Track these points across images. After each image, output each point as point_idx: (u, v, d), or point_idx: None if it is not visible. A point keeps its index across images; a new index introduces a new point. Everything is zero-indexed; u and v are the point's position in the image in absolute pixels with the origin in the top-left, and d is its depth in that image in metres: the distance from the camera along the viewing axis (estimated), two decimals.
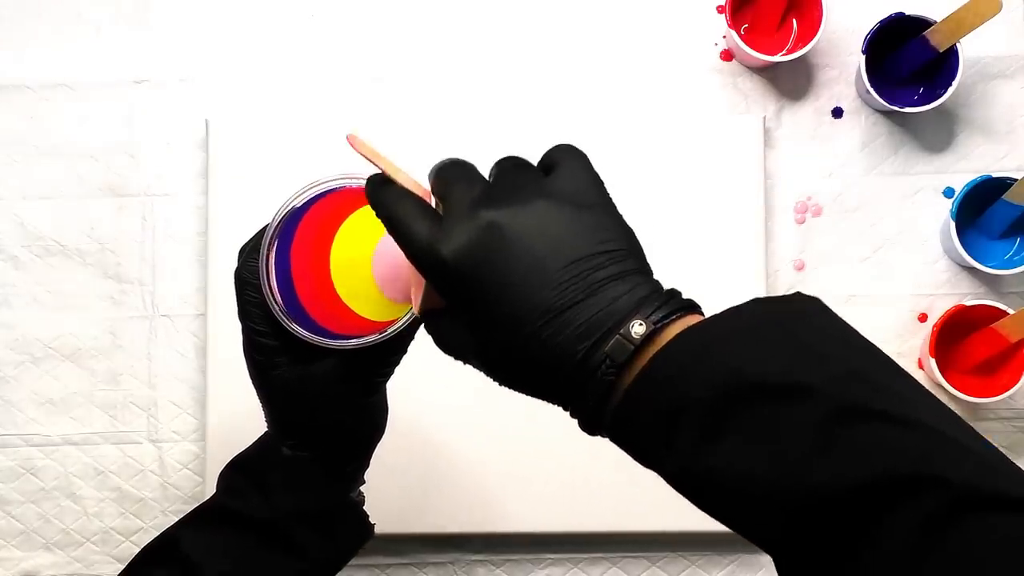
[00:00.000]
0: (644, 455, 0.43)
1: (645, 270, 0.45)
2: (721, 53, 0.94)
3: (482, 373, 0.47)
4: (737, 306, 0.42)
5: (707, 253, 0.90)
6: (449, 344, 0.48)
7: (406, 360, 0.89)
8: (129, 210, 0.94)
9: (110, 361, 0.93)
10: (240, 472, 0.62)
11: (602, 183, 0.47)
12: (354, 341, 0.56)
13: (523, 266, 0.42)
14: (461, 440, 0.89)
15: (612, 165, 0.90)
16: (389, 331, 0.56)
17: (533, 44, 0.94)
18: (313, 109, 0.94)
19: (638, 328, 0.41)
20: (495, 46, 0.94)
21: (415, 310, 0.50)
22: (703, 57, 0.94)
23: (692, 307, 0.43)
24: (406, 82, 0.94)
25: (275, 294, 0.56)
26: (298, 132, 0.92)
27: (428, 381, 0.90)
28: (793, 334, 0.42)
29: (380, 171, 0.49)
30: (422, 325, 0.56)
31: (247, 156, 0.91)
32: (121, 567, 0.62)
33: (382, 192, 0.47)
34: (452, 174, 0.47)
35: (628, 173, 0.91)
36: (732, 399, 0.39)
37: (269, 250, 0.56)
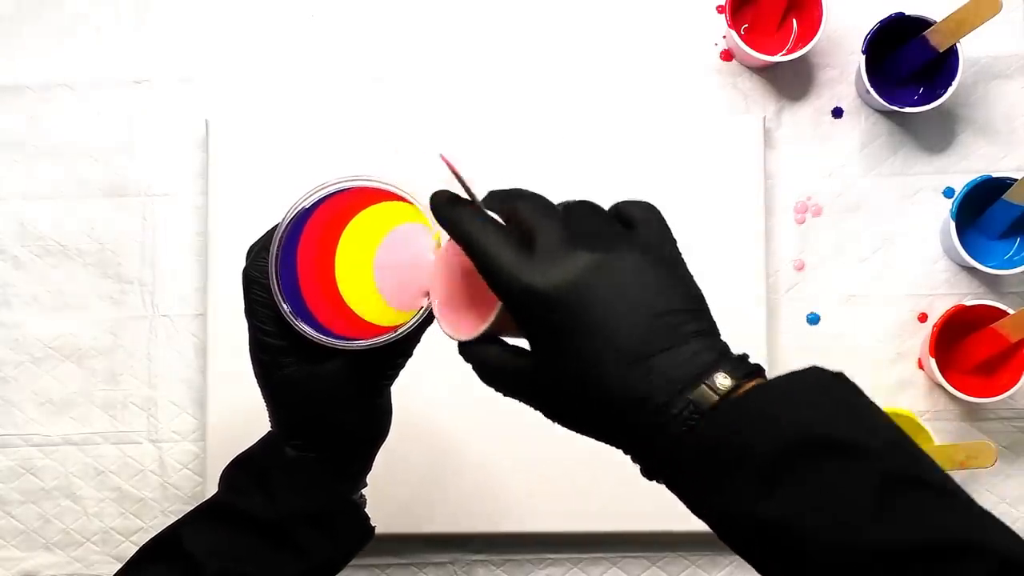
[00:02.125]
0: (702, 500, 0.45)
1: (716, 331, 0.48)
2: (721, 53, 0.94)
3: (525, 404, 0.49)
4: (799, 371, 0.45)
5: (707, 253, 0.90)
6: (496, 372, 0.50)
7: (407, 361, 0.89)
8: (129, 210, 0.94)
9: (110, 361, 0.93)
10: (243, 471, 0.62)
11: (676, 241, 0.51)
12: (361, 343, 0.56)
13: (619, 308, 0.45)
14: (461, 440, 0.89)
15: (613, 165, 0.91)
16: (395, 335, 0.56)
17: (533, 44, 0.94)
18: (313, 109, 0.94)
19: (723, 380, 0.44)
20: (495, 46, 0.94)
21: (475, 333, 0.51)
22: (703, 57, 0.94)
23: (760, 369, 0.46)
24: (406, 82, 0.94)
25: (283, 294, 0.56)
26: (298, 132, 0.92)
27: (429, 382, 0.89)
28: (848, 401, 0.45)
29: (454, 192, 0.50)
30: (428, 328, 0.57)
31: (247, 156, 0.91)
32: (121, 567, 0.62)
33: (462, 213, 0.49)
34: (535, 204, 0.49)
35: (628, 173, 0.91)
36: (796, 453, 0.42)
37: (278, 250, 0.56)
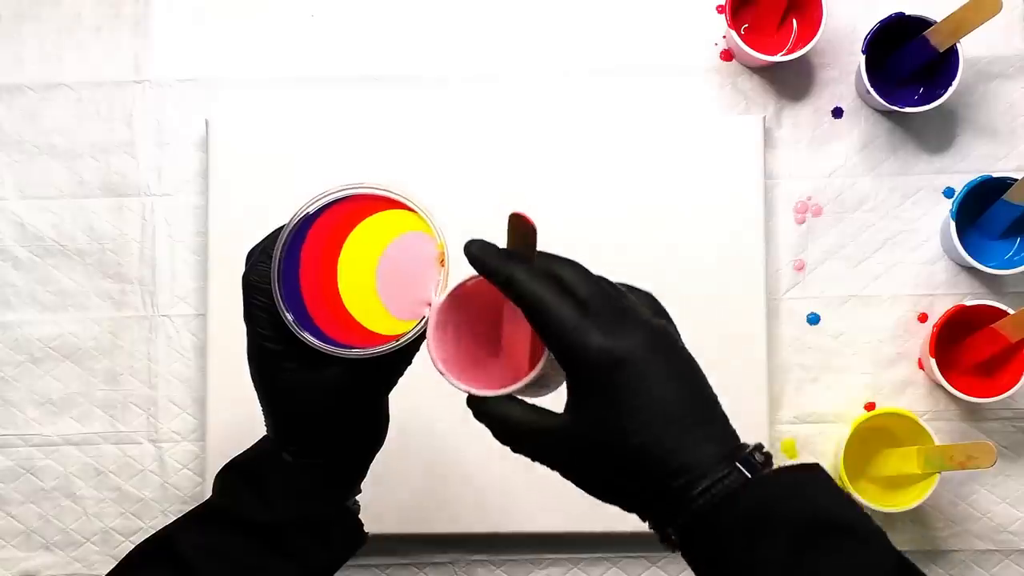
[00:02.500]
0: (723, 565, 0.48)
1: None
2: (721, 53, 0.94)
3: (542, 463, 0.53)
4: (809, 464, 0.50)
5: (707, 253, 0.90)
6: (520, 431, 0.52)
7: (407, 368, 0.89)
8: (129, 210, 0.94)
9: (110, 361, 0.93)
10: (238, 475, 0.62)
11: None
12: (362, 351, 0.56)
13: (672, 379, 0.49)
14: (461, 441, 0.89)
15: (613, 165, 0.91)
16: (396, 344, 0.56)
17: (534, 44, 0.94)
18: (313, 109, 0.94)
19: (759, 456, 0.49)
20: (495, 46, 0.94)
21: (505, 390, 0.52)
22: (703, 57, 0.94)
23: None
24: (406, 82, 0.94)
25: (285, 301, 0.56)
26: (298, 132, 0.92)
27: (429, 382, 0.89)
28: (847, 493, 0.53)
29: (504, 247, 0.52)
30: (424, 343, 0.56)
31: (247, 156, 0.91)
32: None
33: (519, 270, 0.51)
34: (579, 271, 0.53)
35: (628, 173, 0.91)
36: (817, 529, 0.47)
37: (282, 256, 0.56)
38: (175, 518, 0.64)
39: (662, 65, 0.94)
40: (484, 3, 0.95)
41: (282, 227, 0.57)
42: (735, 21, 0.92)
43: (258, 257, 0.58)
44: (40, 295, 0.93)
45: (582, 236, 0.90)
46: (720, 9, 0.94)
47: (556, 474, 0.92)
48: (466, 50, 0.94)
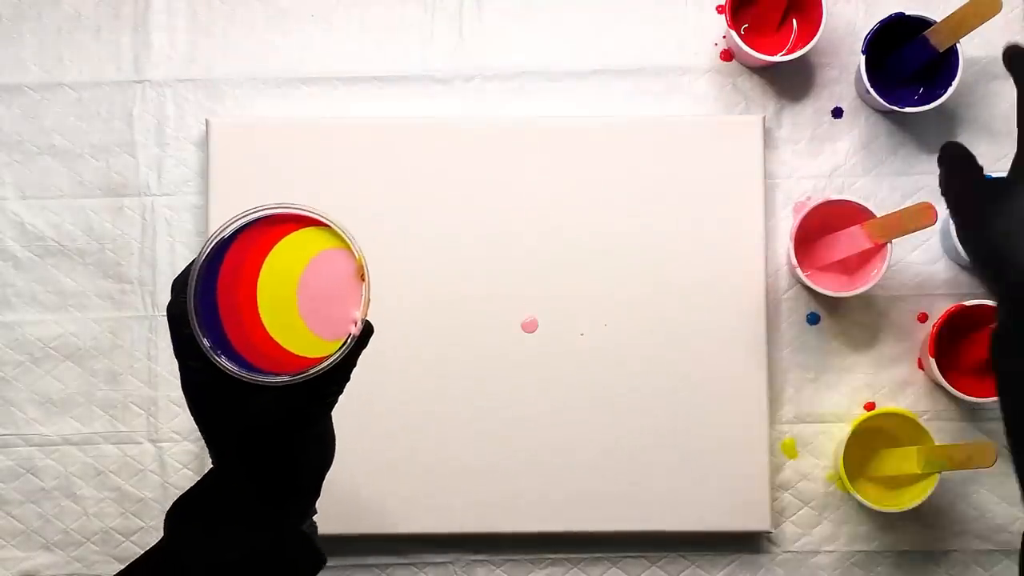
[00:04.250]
0: None
1: None
2: (721, 53, 0.94)
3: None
4: None
5: (707, 253, 0.90)
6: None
7: (404, 362, 0.89)
8: (129, 210, 0.94)
9: (110, 361, 0.93)
10: (188, 514, 0.60)
11: None
12: (284, 378, 0.55)
13: None
14: (461, 441, 0.89)
15: (612, 165, 0.91)
16: (320, 367, 0.55)
17: (533, 44, 0.94)
18: (313, 109, 0.94)
19: None
20: (495, 45, 0.94)
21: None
22: (703, 57, 0.94)
23: None
24: (406, 81, 0.94)
25: (204, 330, 0.55)
26: (298, 132, 0.92)
27: (428, 382, 0.90)
28: None
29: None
30: (362, 352, 0.57)
31: (247, 156, 0.91)
32: (121, 567, 0.61)
33: None
34: None
35: (628, 173, 0.91)
36: None
37: (197, 285, 0.55)
38: (125, 565, 0.62)
39: (662, 65, 0.94)
40: (484, 4, 0.95)
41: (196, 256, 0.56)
42: (735, 21, 0.92)
43: (180, 289, 0.56)
44: (40, 295, 0.93)
45: (582, 236, 0.91)
46: (720, 9, 0.94)
47: (556, 474, 0.92)
48: (466, 50, 0.94)
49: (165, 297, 0.92)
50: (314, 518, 0.64)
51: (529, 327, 0.90)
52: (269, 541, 0.59)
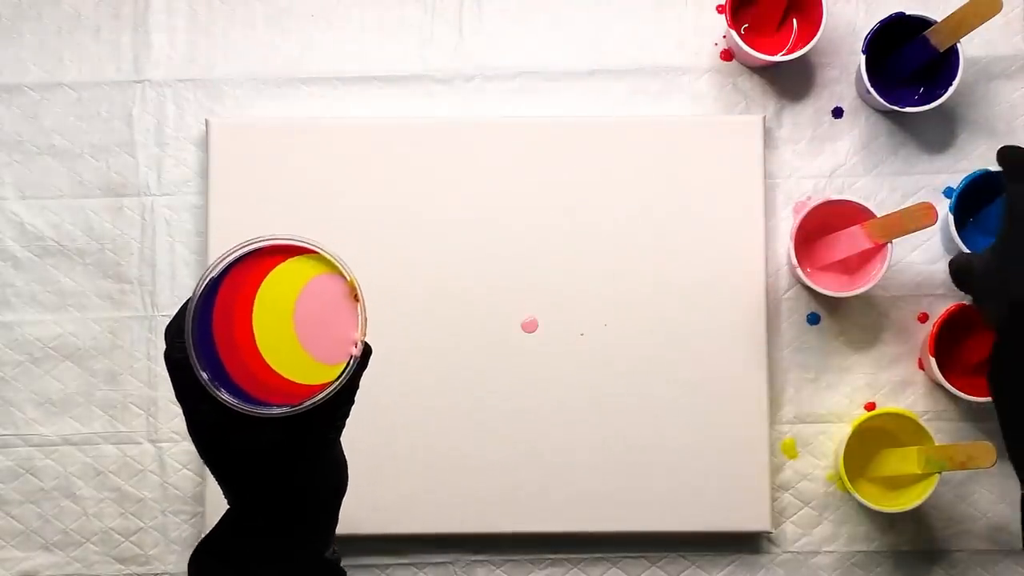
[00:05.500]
0: None
1: None
2: (721, 53, 0.94)
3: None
4: None
5: (707, 253, 0.90)
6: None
7: (404, 363, 0.89)
8: (129, 210, 0.94)
9: (110, 361, 0.93)
10: (211, 557, 0.60)
11: None
12: (288, 408, 0.55)
13: None
14: (461, 441, 0.89)
15: (612, 165, 0.91)
16: (325, 393, 0.55)
17: (533, 44, 0.94)
18: (313, 109, 0.94)
19: None
20: (495, 45, 0.94)
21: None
22: (703, 57, 0.94)
23: None
24: (406, 81, 0.94)
25: (205, 369, 0.55)
26: (298, 132, 0.92)
27: (428, 383, 0.90)
28: None
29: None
30: (364, 372, 0.57)
31: (247, 156, 0.91)
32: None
33: None
34: None
35: (628, 173, 0.91)
36: None
37: (193, 325, 0.55)
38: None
39: (662, 65, 0.94)
40: (484, 4, 0.95)
41: (190, 297, 0.56)
42: (735, 21, 0.92)
43: (176, 333, 0.56)
44: (40, 295, 0.93)
45: (582, 236, 0.91)
46: (720, 9, 0.94)
47: (556, 474, 0.92)
48: (465, 50, 0.94)
49: (165, 297, 0.93)
50: (335, 547, 0.64)
51: (529, 327, 0.90)
52: (294, 573, 0.59)
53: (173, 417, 0.92)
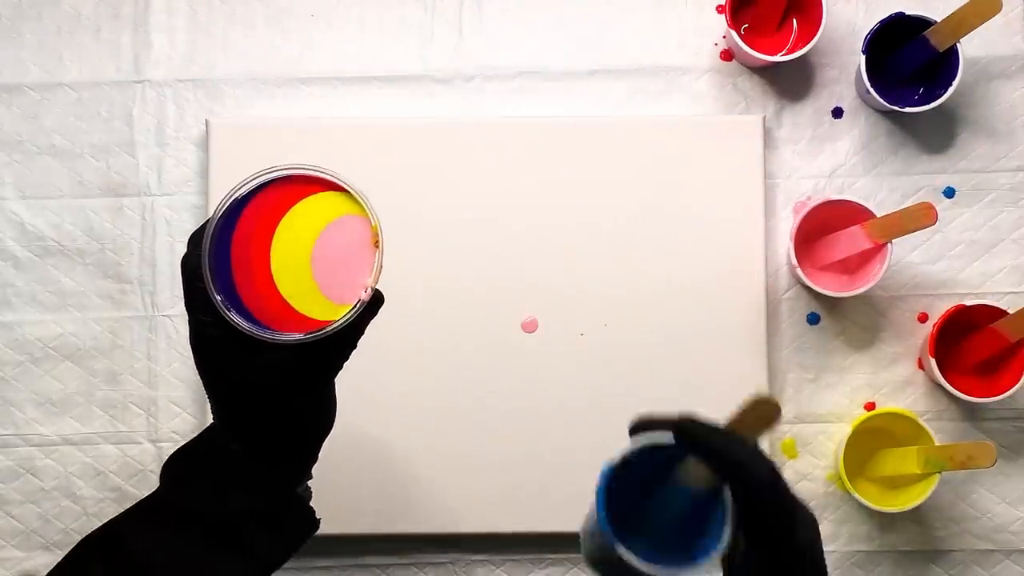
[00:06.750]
0: None
1: None
2: (721, 53, 0.94)
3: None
4: None
5: (707, 253, 0.90)
6: None
7: (404, 362, 0.89)
8: (129, 210, 0.94)
9: (110, 361, 0.93)
10: (187, 466, 0.61)
11: None
12: (294, 337, 0.55)
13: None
14: (461, 441, 0.89)
15: (612, 165, 0.91)
16: (329, 329, 0.55)
17: (533, 44, 0.94)
18: (313, 109, 0.94)
19: None
20: (495, 45, 0.94)
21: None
22: (703, 57, 0.94)
23: None
24: (406, 81, 0.94)
25: (217, 285, 0.55)
26: (298, 132, 0.92)
27: (428, 383, 0.90)
28: None
29: None
30: (372, 320, 0.57)
31: (247, 156, 0.91)
32: None
33: (733, 442, 0.56)
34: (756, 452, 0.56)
35: (628, 173, 0.91)
36: None
37: (212, 241, 0.55)
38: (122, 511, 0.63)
39: (662, 65, 0.94)
40: (484, 4, 0.95)
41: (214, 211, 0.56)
42: (735, 21, 0.92)
43: (195, 242, 0.57)
44: (40, 295, 0.93)
45: (582, 236, 0.91)
46: (720, 9, 0.94)
47: (556, 474, 0.92)
48: (465, 50, 0.94)
49: (165, 297, 0.93)
50: (309, 483, 0.65)
51: (529, 327, 0.90)
52: (267, 501, 0.60)
53: (173, 417, 0.92)
